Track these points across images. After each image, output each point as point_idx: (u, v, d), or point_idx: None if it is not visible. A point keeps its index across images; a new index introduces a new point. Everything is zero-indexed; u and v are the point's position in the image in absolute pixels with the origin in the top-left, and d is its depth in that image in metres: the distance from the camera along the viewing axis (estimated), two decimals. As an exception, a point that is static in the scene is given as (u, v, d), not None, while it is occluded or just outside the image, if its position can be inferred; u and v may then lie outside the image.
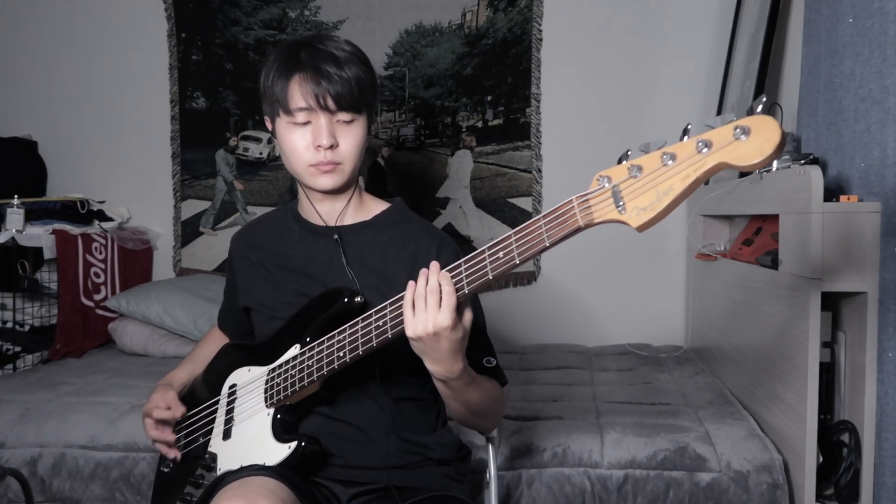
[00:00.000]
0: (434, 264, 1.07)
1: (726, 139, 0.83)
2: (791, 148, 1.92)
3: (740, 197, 2.19)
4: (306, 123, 1.27)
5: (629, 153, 0.91)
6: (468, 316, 1.08)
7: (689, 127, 0.87)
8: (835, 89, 1.83)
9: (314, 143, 1.26)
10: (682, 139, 0.87)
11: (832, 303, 1.74)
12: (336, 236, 1.33)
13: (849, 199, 1.63)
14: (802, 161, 1.79)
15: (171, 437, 1.40)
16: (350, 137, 1.28)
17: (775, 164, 1.89)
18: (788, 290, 1.74)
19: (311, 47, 1.27)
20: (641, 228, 0.88)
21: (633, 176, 0.88)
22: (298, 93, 1.25)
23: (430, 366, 1.11)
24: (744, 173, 2.28)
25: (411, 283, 1.07)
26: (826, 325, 1.72)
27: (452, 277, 1.05)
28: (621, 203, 0.89)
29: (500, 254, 1.00)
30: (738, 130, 0.82)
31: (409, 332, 1.06)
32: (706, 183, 2.76)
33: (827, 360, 1.71)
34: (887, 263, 1.57)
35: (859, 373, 1.64)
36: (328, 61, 1.24)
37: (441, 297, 1.04)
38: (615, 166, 0.91)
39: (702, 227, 2.69)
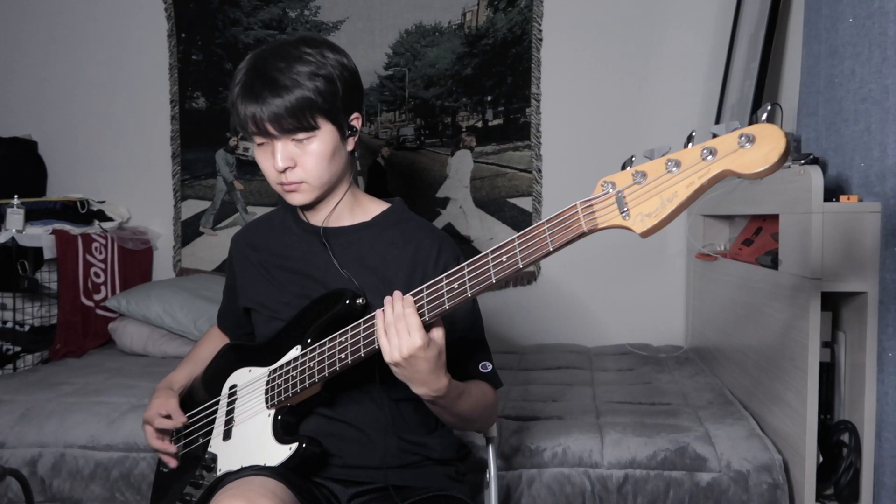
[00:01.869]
0: (396, 293, 1.10)
1: (731, 147, 0.83)
2: (791, 148, 1.92)
3: (740, 197, 2.19)
4: (264, 144, 1.27)
5: (633, 159, 0.91)
6: (439, 333, 1.11)
7: (694, 134, 0.87)
8: (835, 89, 1.83)
9: (273, 164, 1.26)
10: (686, 146, 0.87)
11: (832, 303, 1.74)
12: (324, 241, 1.33)
13: (849, 199, 1.63)
14: (802, 161, 1.79)
15: (171, 447, 1.39)
16: (308, 155, 1.26)
17: (775, 164, 1.89)
18: (788, 290, 1.74)
19: (256, 70, 1.24)
20: (645, 235, 0.89)
21: (638, 182, 0.88)
22: (246, 118, 1.25)
23: (417, 389, 1.13)
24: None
25: (379, 311, 1.10)
26: (826, 325, 1.72)
27: (420, 299, 1.08)
28: (625, 209, 0.89)
29: (504, 258, 1.00)
30: (742, 138, 0.82)
31: (388, 359, 1.10)
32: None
33: (827, 360, 1.71)
34: (887, 263, 1.57)
35: (859, 373, 1.64)
36: (265, 87, 1.22)
37: (407, 321, 1.07)
38: (619, 172, 0.91)
39: (702, 227, 2.69)
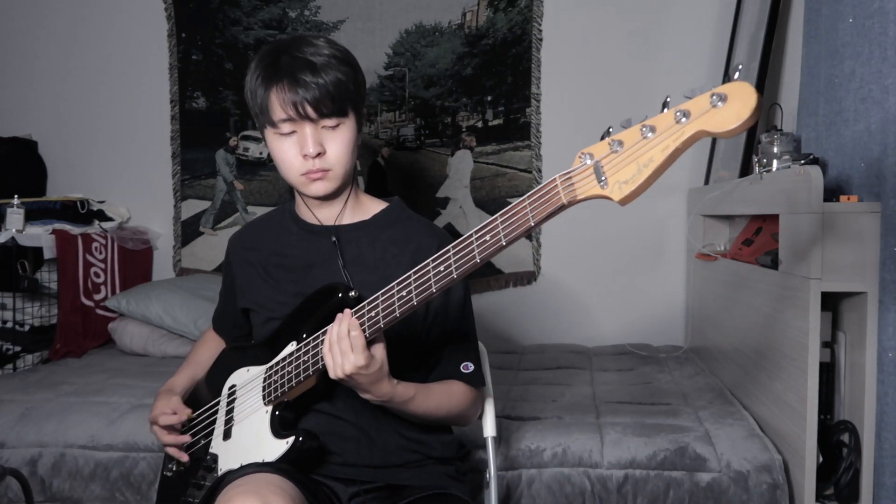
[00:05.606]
0: (346, 311, 1.12)
1: (704, 107, 0.83)
2: (791, 148, 1.92)
3: (740, 197, 2.19)
4: (292, 133, 1.27)
5: (611, 130, 0.91)
6: (380, 352, 1.14)
7: (669, 99, 0.88)
8: (835, 89, 1.83)
9: (301, 152, 1.26)
10: (661, 111, 0.87)
11: (832, 303, 1.74)
12: (334, 238, 1.33)
13: (849, 199, 1.63)
14: (802, 161, 1.79)
15: (184, 438, 1.38)
16: (337, 142, 1.27)
17: (775, 163, 1.89)
18: (788, 290, 1.73)
19: (287, 55, 1.25)
20: (624, 202, 0.89)
21: (615, 151, 0.89)
22: (278, 104, 1.24)
23: (362, 395, 1.18)
24: (743, 172, 2.28)
25: (330, 327, 1.13)
26: (826, 325, 1.72)
27: (371, 309, 1.10)
28: (603, 178, 0.90)
29: (488, 237, 1.00)
30: (714, 98, 0.82)
31: (332, 375, 1.13)
32: (707, 181, 2.77)
33: (827, 360, 1.71)
34: (887, 263, 1.57)
35: (859, 373, 1.64)
36: (304, 69, 1.23)
37: (351, 342, 1.10)
38: (597, 143, 0.91)
39: (702, 227, 2.69)
